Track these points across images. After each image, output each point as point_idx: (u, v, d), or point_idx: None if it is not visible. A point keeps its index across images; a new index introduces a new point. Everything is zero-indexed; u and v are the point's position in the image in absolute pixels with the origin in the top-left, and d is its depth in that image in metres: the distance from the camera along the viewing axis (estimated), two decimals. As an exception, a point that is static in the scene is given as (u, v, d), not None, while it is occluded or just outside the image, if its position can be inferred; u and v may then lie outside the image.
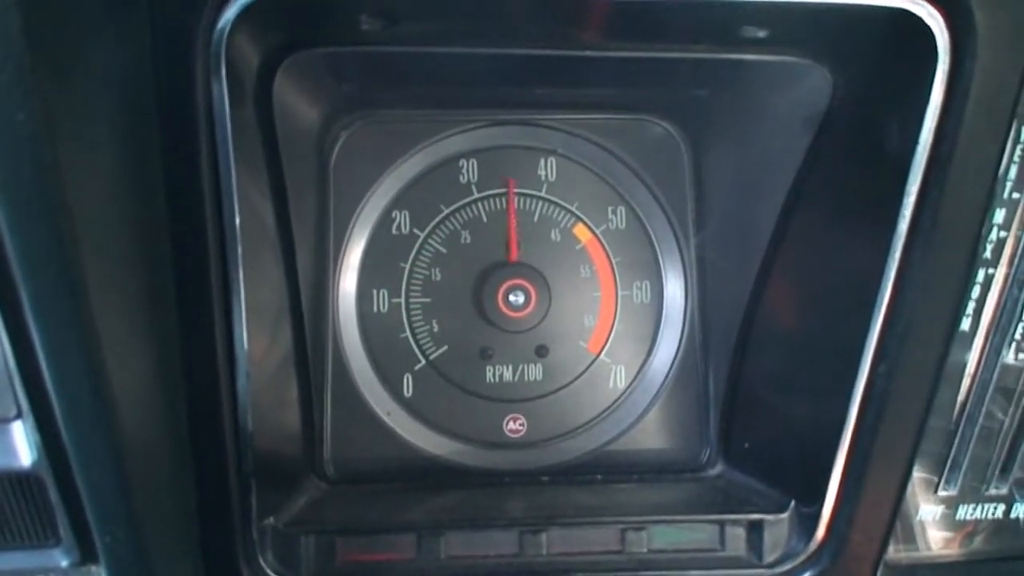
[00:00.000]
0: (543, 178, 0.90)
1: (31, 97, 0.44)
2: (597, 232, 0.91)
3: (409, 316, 0.89)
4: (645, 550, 0.82)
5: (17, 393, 0.53)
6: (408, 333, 0.89)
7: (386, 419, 0.89)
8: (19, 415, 0.54)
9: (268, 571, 0.76)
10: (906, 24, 0.63)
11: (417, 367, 0.90)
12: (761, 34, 0.67)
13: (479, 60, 0.76)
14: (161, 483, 0.62)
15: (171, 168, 0.59)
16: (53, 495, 0.58)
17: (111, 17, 0.51)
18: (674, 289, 0.91)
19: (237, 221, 0.63)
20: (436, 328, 0.89)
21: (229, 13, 0.58)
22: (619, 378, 0.92)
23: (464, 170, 0.89)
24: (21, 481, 0.58)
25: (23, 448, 0.56)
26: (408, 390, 0.90)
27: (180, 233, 0.60)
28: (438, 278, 0.89)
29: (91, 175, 0.50)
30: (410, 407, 0.90)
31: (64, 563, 0.62)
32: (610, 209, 0.91)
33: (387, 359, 0.89)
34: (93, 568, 0.62)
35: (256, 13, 0.58)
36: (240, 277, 0.65)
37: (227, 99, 0.60)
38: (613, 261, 0.91)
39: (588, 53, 0.72)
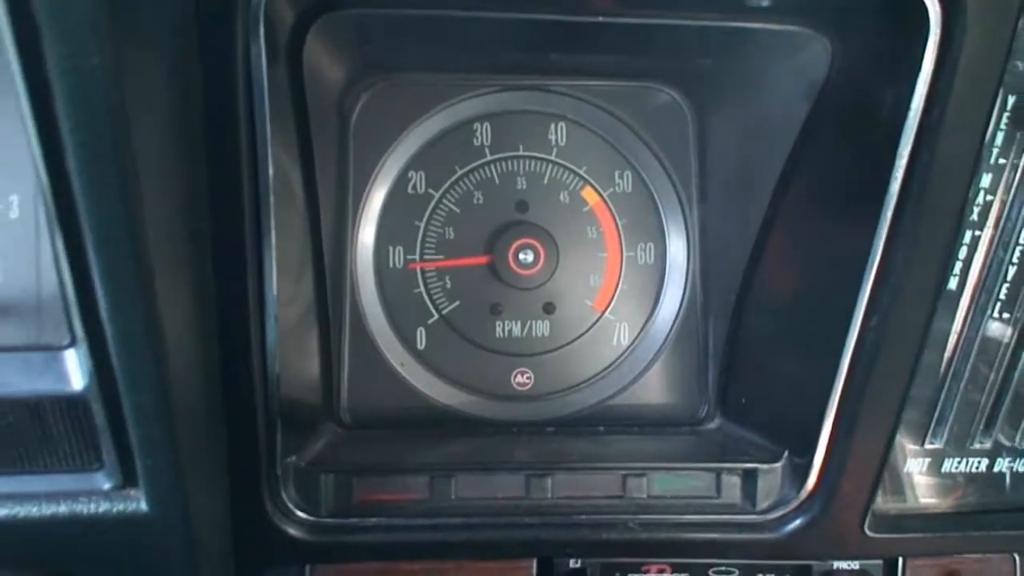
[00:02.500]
0: (553, 142, 0.96)
1: (105, 44, 0.50)
2: (604, 195, 0.96)
3: (423, 272, 0.94)
4: (645, 495, 0.87)
5: (73, 322, 0.59)
6: (422, 288, 0.95)
7: (400, 369, 0.95)
8: (73, 343, 0.60)
9: (290, 505, 0.81)
10: None
11: (430, 321, 0.95)
12: (765, 3, 0.73)
13: (495, 25, 0.81)
14: (199, 415, 0.67)
15: (211, 121, 0.64)
16: (99, 419, 0.63)
17: None
18: (677, 251, 0.96)
19: (271, 173, 0.69)
20: (449, 284, 0.95)
21: None
22: (623, 335, 0.97)
23: (478, 133, 0.94)
24: (70, 406, 0.63)
25: (75, 374, 0.61)
26: (421, 343, 0.95)
27: (219, 182, 0.66)
28: (451, 236, 0.95)
29: (149, 121, 0.55)
30: (423, 359, 0.95)
31: (106, 486, 0.67)
32: (617, 173, 0.97)
33: (402, 313, 0.95)
34: (132, 491, 0.68)
35: None
36: (272, 226, 0.71)
37: (264, 57, 0.65)
38: (619, 223, 0.96)
39: (599, 19, 0.77)
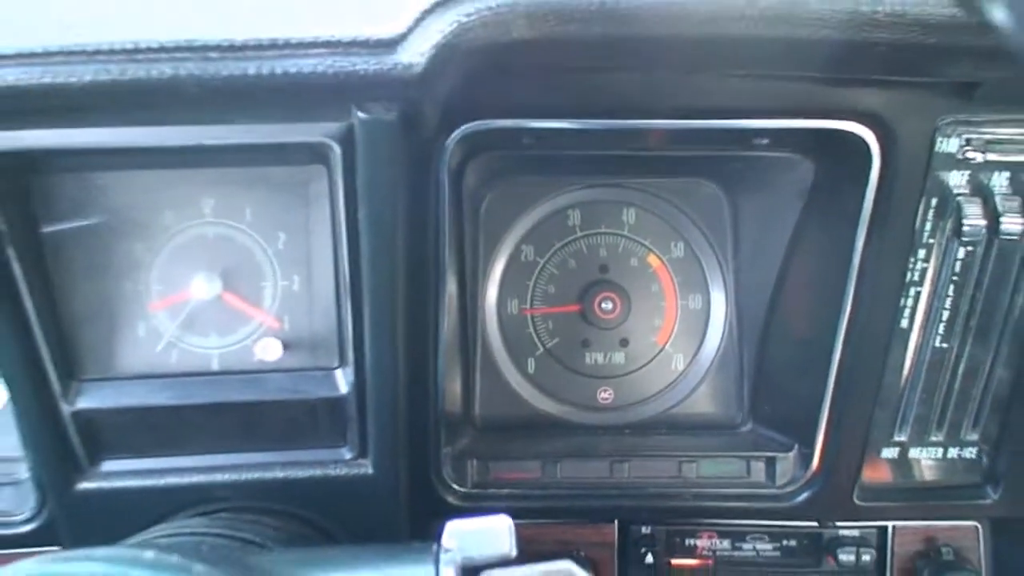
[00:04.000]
0: (625, 222, 1.37)
1: (394, 189, 0.95)
2: (663, 259, 1.38)
3: (532, 317, 1.39)
4: (695, 476, 1.26)
5: (344, 352, 1.05)
6: (531, 329, 1.38)
7: (516, 388, 1.37)
8: (341, 365, 1.06)
9: (448, 481, 1.23)
10: (852, 136, 1.01)
11: (537, 352, 1.37)
12: (765, 141, 1.17)
13: (584, 151, 1.25)
14: (401, 414, 1.12)
15: (413, 229, 0.99)
16: (350, 413, 1.06)
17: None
18: (717, 300, 1.37)
19: (446, 253, 1.14)
20: (550, 325, 1.37)
21: (453, 137, 1.08)
22: (678, 362, 1.38)
23: (571, 217, 1.37)
24: (333, 405, 1.08)
25: (341, 384, 1.06)
26: (531, 368, 1.37)
27: (416, 266, 1.10)
28: (552, 291, 1.37)
29: (400, 239, 1.01)
30: (532, 380, 1.37)
31: (347, 456, 1.08)
32: (672, 244, 1.37)
33: (517, 347, 1.37)
34: (363, 460, 1.07)
35: (466, 137, 1.09)
36: (444, 290, 1.16)
37: (447, 182, 1.11)
38: (675, 280, 1.38)
39: (654, 152, 1.22)
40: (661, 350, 1.34)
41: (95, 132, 0.83)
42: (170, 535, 0.91)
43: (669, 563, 1.28)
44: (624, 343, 1.33)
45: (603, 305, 1.32)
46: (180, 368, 1.02)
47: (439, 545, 0.76)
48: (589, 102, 1.00)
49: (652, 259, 1.33)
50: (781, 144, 1.12)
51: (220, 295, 1.00)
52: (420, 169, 0.98)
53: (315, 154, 0.88)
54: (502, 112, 0.98)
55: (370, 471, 1.04)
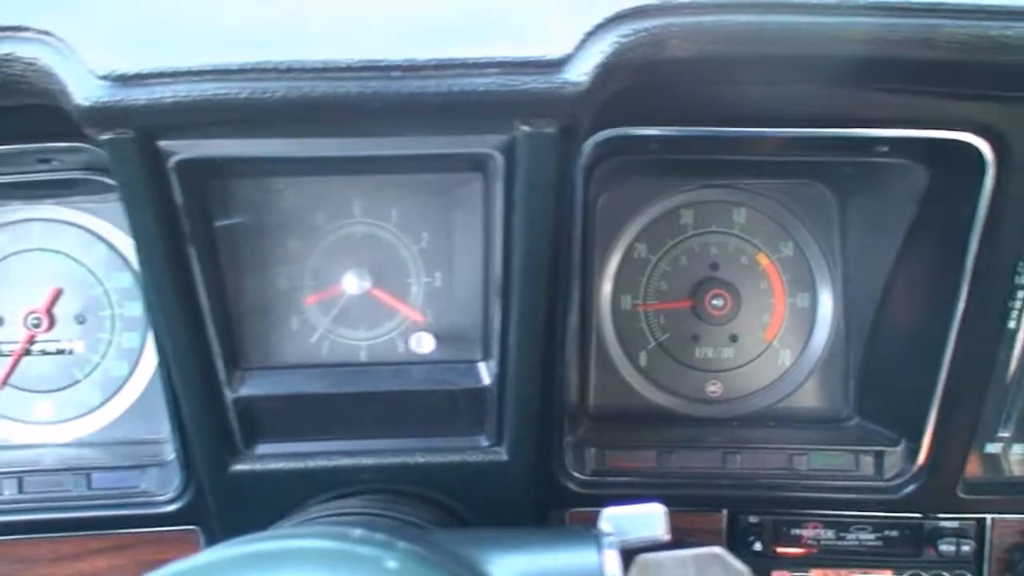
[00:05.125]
0: (735, 222, 1.45)
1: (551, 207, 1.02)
2: (772, 259, 1.44)
3: (645, 312, 1.47)
4: (806, 468, 1.32)
5: (489, 345, 1.13)
6: (644, 324, 1.46)
7: (629, 380, 1.45)
8: (485, 358, 1.15)
9: (568, 469, 1.32)
10: (968, 146, 1.04)
11: (649, 346, 1.45)
12: (885, 149, 1.23)
13: (697, 153, 1.32)
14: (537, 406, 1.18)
15: (558, 234, 1.08)
16: (490, 403, 1.15)
17: None
18: (825, 298, 1.43)
19: (576, 255, 1.22)
20: (662, 320, 1.45)
21: (589, 143, 1.16)
22: (786, 358, 1.44)
23: (683, 217, 1.45)
24: (475, 395, 1.15)
25: (484, 376, 1.14)
26: (643, 362, 1.44)
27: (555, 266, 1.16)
28: (664, 287, 1.44)
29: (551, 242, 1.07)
30: (644, 373, 1.44)
31: (484, 444, 1.17)
32: (781, 243, 1.44)
33: (630, 341, 1.44)
34: (498, 448, 1.15)
35: (598, 143, 1.16)
36: (573, 287, 1.24)
37: (582, 188, 1.19)
38: (783, 278, 1.44)
39: (768, 157, 1.28)
40: (769, 346, 1.41)
41: (278, 143, 0.92)
42: (333, 514, 0.99)
43: (775, 551, 1.34)
44: (733, 339, 1.40)
45: (714, 302, 1.39)
46: (331, 359, 1.10)
47: (598, 529, 0.83)
48: (718, 110, 1.07)
49: (761, 258, 1.40)
50: (897, 151, 1.17)
51: (370, 290, 1.07)
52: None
53: (473, 163, 0.96)
54: (634, 120, 1.05)
55: (505, 458, 1.11)
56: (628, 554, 0.85)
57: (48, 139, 1.04)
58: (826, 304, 1.40)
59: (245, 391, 1.06)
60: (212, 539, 1.25)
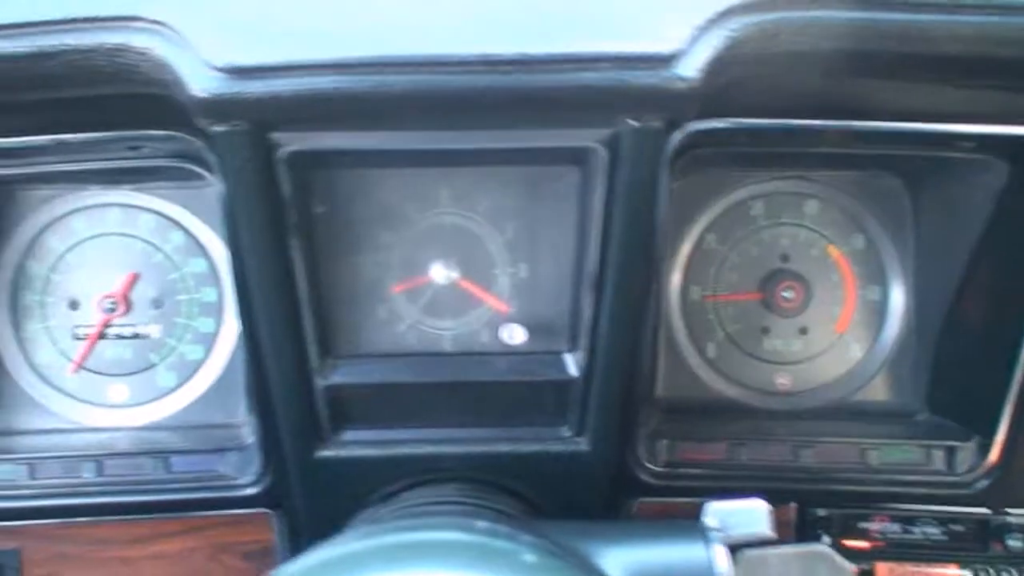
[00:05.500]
0: (806, 214, 1.46)
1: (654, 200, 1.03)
2: (843, 251, 1.45)
3: (714, 303, 1.48)
4: (877, 463, 1.33)
5: (578, 337, 1.14)
6: (713, 315, 1.47)
7: (697, 371, 1.47)
8: (572, 350, 1.16)
9: (640, 459, 1.32)
10: None
11: (719, 337, 1.45)
12: (972, 145, 1.24)
13: (771, 144, 1.33)
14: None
15: (653, 226, 1.12)
16: (574, 395, 1.17)
17: None
18: (896, 291, 1.43)
19: (662, 246, 1.22)
20: (731, 312, 1.46)
21: (677, 135, 1.15)
22: (856, 351, 1.45)
23: (754, 208, 1.46)
24: (560, 386, 1.17)
25: (571, 367, 1.16)
26: (712, 353, 1.46)
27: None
28: (734, 279, 1.46)
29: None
30: (712, 364, 1.45)
31: (566, 434, 1.18)
32: (852, 236, 1.43)
33: (698, 332, 1.45)
34: (579, 439, 1.16)
35: (687, 135, 1.17)
36: (657, 278, 1.24)
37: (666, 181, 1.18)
38: (854, 271, 1.45)
39: (853, 150, 1.29)
40: (839, 338, 1.42)
41: (384, 136, 0.93)
42: (427, 503, 1.01)
43: (841, 544, 1.36)
44: (803, 331, 1.41)
45: (784, 294, 1.39)
46: (418, 348, 1.12)
47: (703, 524, 0.85)
48: (808, 103, 1.07)
49: (832, 250, 1.41)
50: (981, 147, 1.18)
51: (457, 281, 1.09)
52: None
53: (571, 156, 0.97)
54: (726, 112, 1.06)
55: (585, 448, 1.14)
56: (731, 549, 0.85)
57: (141, 127, 1.05)
58: (897, 297, 1.40)
59: (335, 379, 1.08)
60: (287, 522, 1.28)
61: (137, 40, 0.87)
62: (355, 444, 1.12)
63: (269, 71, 0.83)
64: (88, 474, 1.26)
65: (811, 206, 1.40)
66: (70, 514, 1.27)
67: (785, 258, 1.39)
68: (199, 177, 1.19)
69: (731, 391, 1.40)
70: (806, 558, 0.84)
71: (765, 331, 1.40)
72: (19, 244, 1.31)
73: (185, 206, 1.30)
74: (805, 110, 1.10)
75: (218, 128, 0.87)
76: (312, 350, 1.05)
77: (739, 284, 1.41)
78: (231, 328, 1.31)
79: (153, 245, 1.31)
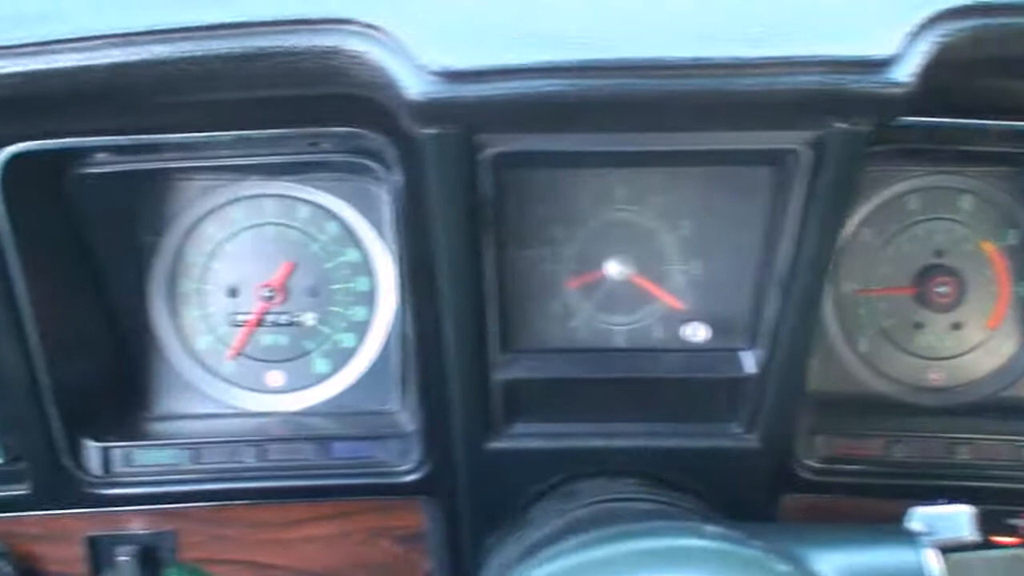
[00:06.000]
0: (961, 208, 1.45)
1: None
2: (998, 246, 1.45)
3: (867, 298, 1.47)
4: (1035, 461, 1.34)
5: (758, 334, 1.15)
6: (865, 309, 1.47)
7: (848, 366, 1.47)
8: (751, 346, 1.17)
9: (798, 455, 1.32)
10: None
11: (871, 332, 1.46)
12: None
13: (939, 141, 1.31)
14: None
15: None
16: (749, 391, 1.19)
17: None
18: (1051, 286, 1.43)
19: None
20: (884, 307, 1.46)
21: None
22: (1009, 347, 1.45)
23: (910, 203, 1.45)
24: (734, 382, 1.19)
25: (748, 365, 1.17)
26: (864, 348, 1.47)
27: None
28: (888, 272, 1.45)
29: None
30: (864, 359, 1.46)
31: (736, 430, 1.21)
32: (1007, 231, 1.43)
33: (850, 326, 1.46)
34: (748, 436, 1.18)
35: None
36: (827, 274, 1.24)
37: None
38: (1008, 266, 1.44)
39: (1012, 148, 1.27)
40: (992, 334, 1.41)
41: (584, 138, 0.95)
42: (609, 499, 1.03)
43: (989, 540, 1.35)
44: (956, 326, 1.41)
45: (938, 289, 1.39)
46: (590, 343, 1.14)
47: (910, 528, 0.86)
48: (982, 102, 1.07)
49: (986, 245, 1.39)
50: None
51: (630, 277, 1.10)
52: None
53: (770, 157, 0.98)
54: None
55: (756, 445, 1.15)
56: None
57: (324, 124, 1.07)
58: (1050, 293, 1.34)
59: (512, 374, 1.10)
60: (443, 509, 1.32)
61: (350, 43, 0.89)
62: (525, 436, 1.14)
63: (485, 75, 0.85)
64: (250, 459, 1.29)
65: (966, 201, 1.39)
66: (230, 498, 1.30)
67: (939, 253, 1.40)
68: (362, 171, 1.23)
69: (883, 386, 1.41)
70: (1012, 561, 0.85)
71: (918, 326, 1.40)
72: (178, 232, 1.33)
73: (343, 198, 1.32)
74: (979, 109, 1.08)
75: (429, 131, 0.88)
76: (493, 345, 1.06)
77: (892, 279, 1.41)
78: (384, 317, 1.34)
79: (309, 235, 1.33)
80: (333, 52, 0.90)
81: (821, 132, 0.92)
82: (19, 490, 1.28)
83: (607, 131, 0.95)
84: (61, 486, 1.27)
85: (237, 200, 1.35)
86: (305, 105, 1.04)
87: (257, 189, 1.34)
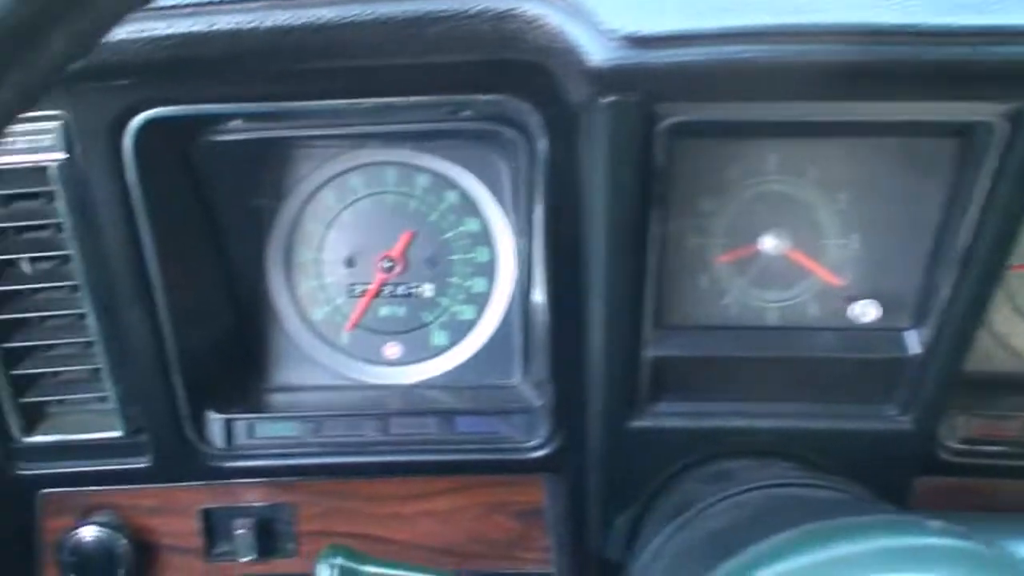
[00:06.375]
0: None
1: None
2: None
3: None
4: None
5: (927, 313, 1.10)
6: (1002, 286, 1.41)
7: (982, 343, 1.41)
8: (916, 326, 1.12)
9: (940, 436, 1.27)
10: None
11: (1006, 309, 1.39)
12: None
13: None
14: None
15: None
16: (909, 371, 1.12)
17: None
18: None
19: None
20: (1018, 283, 1.37)
21: None
22: None
23: None
24: (893, 362, 1.13)
25: (913, 345, 1.12)
26: (999, 326, 1.41)
27: None
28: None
29: None
30: (998, 337, 1.38)
31: (891, 412, 1.16)
32: None
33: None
34: (903, 417, 1.12)
35: None
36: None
37: None
38: None
39: None
40: None
41: (766, 107, 0.90)
42: (764, 486, 1.00)
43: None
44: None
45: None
46: (741, 321, 1.11)
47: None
48: None
49: None
50: None
51: (786, 252, 1.06)
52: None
53: (958, 129, 0.94)
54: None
55: (908, 427, 1.12)
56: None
57: (468, 91, 1.03)
58: None
59: (663, 351, 1.07)
60: (566, 486, 1.30)
61: (528, 7, 0.84)
62: (669, 415, 1.12)
63: (672, 41, 0.82)
64: (371, 432, 1.26)
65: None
66: (351, 472, 1.29)
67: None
68: (486, 138, 1.21)
69: (1018, 365, 1.33)
70: None
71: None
72: (297, 201, 1.31)
73: (463, 165, 1.28)
74: None
75: (608, 99, 0.84)
76: (647, 321, 1.03)
77: (1024, 253, 1.32)
78: (504, 289, 1.31)
79: (429, 204, 1.30)
80: (510, 16, 0.86)
81: (1021, 104, 0.87)
82: (138, 463, 1.27)
83: (790, 100, 0.91)
84: (182, 459, 1.26)
85: (356, 168, 1.32)
86: (450, 72, 1.00)
87: (376, 157, 1.30)
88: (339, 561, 0.92)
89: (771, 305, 1.12)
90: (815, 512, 0.83)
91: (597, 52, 0.83)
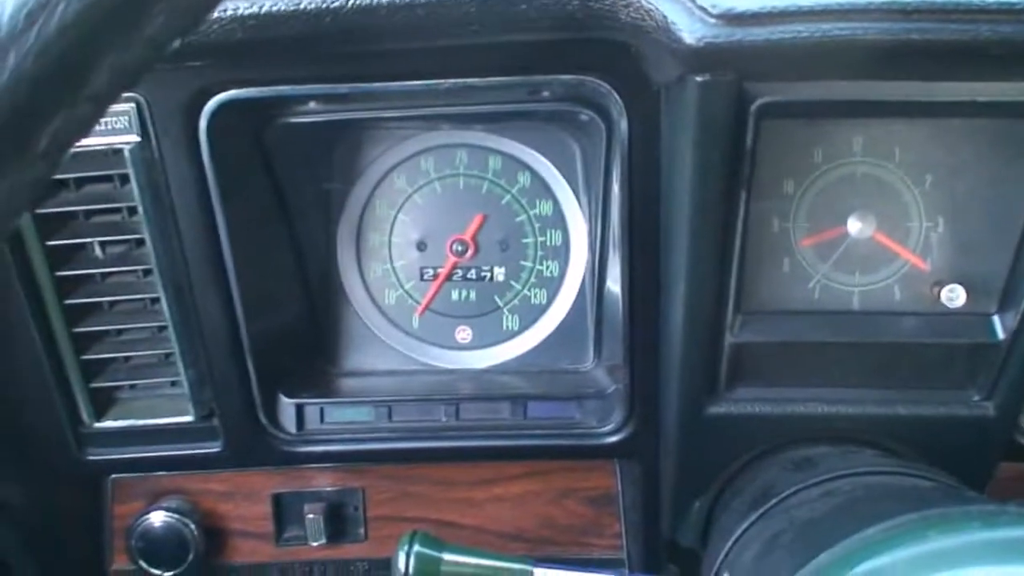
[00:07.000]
0: None
1: None
2: None
3: None
4: None
5: (1013, 297, 1.08)
6: None
7: None
8: (1002, 310, 1.09)
9: (1022, 424, 1.25)
10: None
11: None
12: None
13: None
14: None
15: None
16: (994, 357, 1.08)
17: None
18: None
19: None
20: None
21: None
22: None
23: None
24: (978, 348, 1.11)
25: (1000, 330, 1.09)
26: None
27: None
28: None
29: None
30: None
31: (974, 398, 1.12)
32: None
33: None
34: (986, 403, 1.09)
35: None
36: None
37: None
38: None
39: None
40: None
41: (855, 86, 0.89)
42: (848, 474, 0.99)
43: None
44: None
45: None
46: (823, 305, 1.09)
47: None
48: None
49: None
50: None
51: (872, 235, 1.04)
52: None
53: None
54: None
55: (991, 414, 1.10)
56: None
57: (548, 72, 1.03)
58: None
59: (744, 337, 1.07)
60: (640, 471, 1.31)
61: (620, -15, 0.83)
62: (747, 401, 1.11)
63: (769, 18, 0.81)
64: (443, 417, 1.26)
65: None
66: (422, 457, 1.29)
67: None
68: (558, 119, 1.22)
69: None
70: None
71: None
72: (366, 185, 1.31)
73: (535, 147, 1.27)
74: None
75: (700, 78, 0.83)
76: (730, 306, 1.02)
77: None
78: (576, 273, 1.30)
79: (500, 187, 1.29)
80: (603, -7, 0.84)
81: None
82: (210, 448, 1.27)
83: (883, 79, 0.89)
84: (254, 443, 1.26)
85: (427, 151, 1.31)
86: (530, 51, 0.99)
87: (448, 139, 1.30)
88: (417, 548, 0.92)
89: (855, 289, 1.11)
90: (910, 502, 0.82)
91: (691, 30, 0.83)
